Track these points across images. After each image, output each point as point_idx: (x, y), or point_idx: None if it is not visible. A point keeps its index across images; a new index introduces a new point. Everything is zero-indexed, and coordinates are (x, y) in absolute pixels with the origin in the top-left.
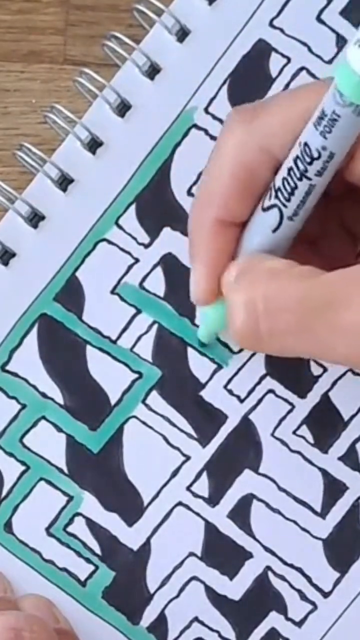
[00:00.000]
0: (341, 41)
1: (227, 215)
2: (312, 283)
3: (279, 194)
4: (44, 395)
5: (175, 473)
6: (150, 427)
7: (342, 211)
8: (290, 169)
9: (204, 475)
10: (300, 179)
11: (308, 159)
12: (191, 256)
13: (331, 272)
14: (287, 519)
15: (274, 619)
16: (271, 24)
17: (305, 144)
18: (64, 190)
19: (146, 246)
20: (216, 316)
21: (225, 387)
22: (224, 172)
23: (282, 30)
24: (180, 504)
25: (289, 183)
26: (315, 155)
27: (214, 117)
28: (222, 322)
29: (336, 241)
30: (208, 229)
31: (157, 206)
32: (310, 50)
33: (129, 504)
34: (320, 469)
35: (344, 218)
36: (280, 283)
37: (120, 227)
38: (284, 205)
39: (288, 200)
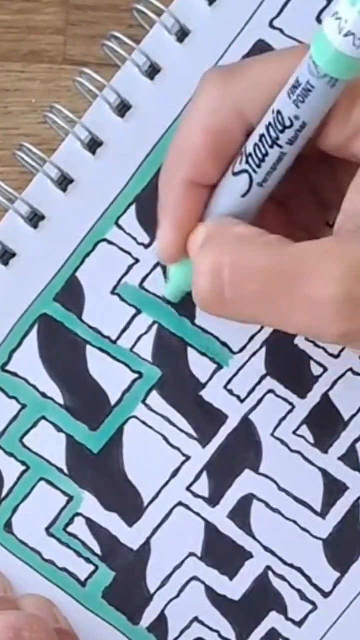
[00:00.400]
0: None
1: (198, 176)
2: (278, 253)
3: (250, 160)
4: (44, 395)
5: (175, 473)
6: (151, 427)
7: (314, 176)
8: (262, 136)
9: (204, 475)
10: (271, 147)
11: (280, 127)
12: (159, 214)
13: (298, 244)
14: (287, 519)
15: (274, 619)
16: (271, 25)
17: (279, 112)
18: (64, 190)
19: (146, 246)
20: (182, 275)
21: (225, 387)
22: (197, 132)
23: (281, 31)
24: (180, 504)
25: (260, 149)
26: (288, 123)
27: None
28: (189, 281)
29: (305, 205)
30: (178, 188)
31: (157, 206)
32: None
33: (129, 504)
34: (320, 469)
35: (315, 183)
36: (247, 251)
37: (120, 227)
38: (254, 172)
39: (258, 166)
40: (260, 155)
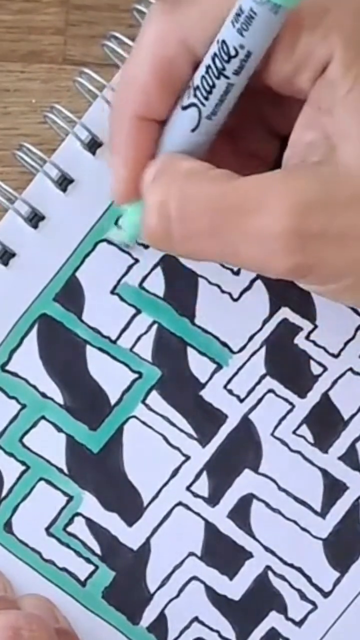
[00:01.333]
0: None
1: (146, 111)
2: (226, 186)
3: (197, 93)
4: (44, 395)
5: (175, 473)
6: (150, 427)
7: (265, 109)
8: (208, 67)
9: (204, 475)
10: (218, 77)
11: (225, 57)
12: (110, 152)
13: (246, 177)
14: (287, 518)
15: (274, 619)
16: None
17: (223, 42)
18: (64, 190)
19: (146, 246)
20: (137, 216)
21: (225, 387)
22: (144, 65)
23: None
24: (180, 504)
25: (207, 81)
26: (233, 53)
27: None
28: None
29: (257, 135)
30: (127, 125)
31: None
32: None
33: (129, 504)
34: (320, 468)
35: (264, 114)
36: (195, 185)
37: (120, 228)
38: (202, 104)
39: (206, 99)
40: (207, 87)
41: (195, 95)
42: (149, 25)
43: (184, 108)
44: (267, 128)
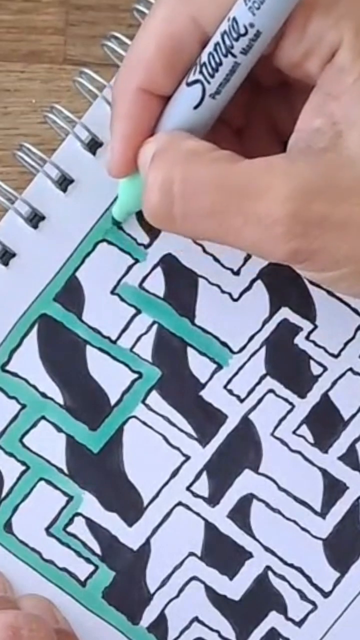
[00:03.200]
0: None
1: (151, 85)
2: (230, 168)
3: (204, 69)
4: (44, 395)
5: (175, 473)
6: (150, 427)
7: (271, 104)
8: (216, 44)
9: (204, 475)
10: (225, 55)
11: (235, 35)
12: (111, 124)
13: (248, 160)
14: (287, 518)
15: (274, 619)
16: None
17: (234, 19)
18: (64, 190)
19: (146, 246)
20: (131, 191)
21: (225, 387)
22: (152, 38)
23: None
24: (180, 504)
25: (214, 58)
26: (242, 31)
27: None
28: (137, 199)
29: (261, 135)
30: (130, 97)
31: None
32: None
33: (129, 504)
34: (320, 468)
35: (271, 112)
36: (199, 165)
37: (120, 228)
38: (207, 82)
39: (212, 76)
40: (214, 64)
41: (200, 72)
42: (159, 1)
43: (189, 84)
44: (272, 127)
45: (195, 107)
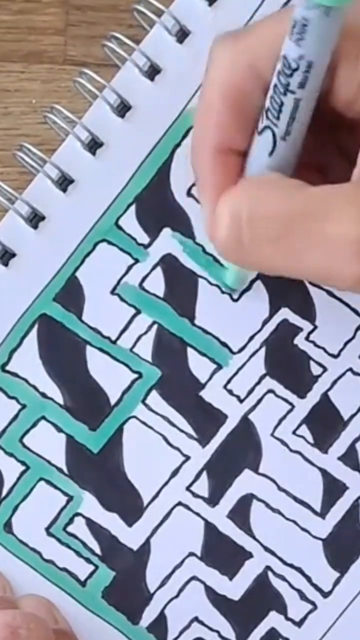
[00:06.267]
0: None
1: (225, 142)
2: (296, 195)
3: (269, 114)
4: (44, 395)
5: (175, 473)
6: (150, 427)
7: (339, 138)
8: (275, 86)
9: (204, 475)
10: (284, 94)
11: (288, 71)
12: (198, 191)
13: (316, 187)
14: (287, 519)
15: (273, 619)
16: None
17: (284, 57)
18: (64, 190)
19: (146, 247)
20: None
21: (225, 387)
22: (215, 96)
23: None
24: (180, 504)
25: (275, 100)
26: (294, 65)
27: None
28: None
29: (340, 169)
30: (209, 160)
31: (156, 207)
32: None
33: (129, 504)
34: (320, 468)
35: (342, 145)
36: (266, 193)
37: (120, 228)
38: (275, 125)
39: (277, 118)
40: (276, 106)
41: (267, 118)
42: (214, 58)
43: (260, 132)
44: (345, 155)
45: (270, 154)
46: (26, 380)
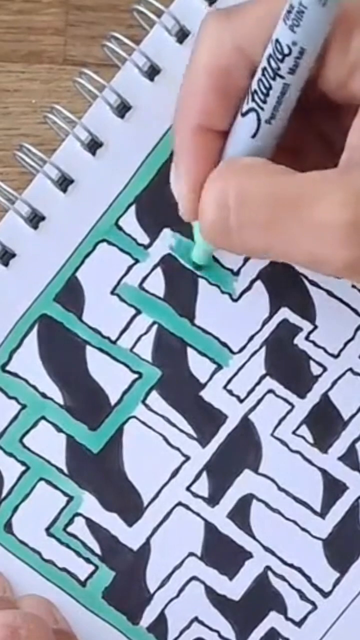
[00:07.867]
0: None
1: (207, 121)
2: (284, 178)
3: (255, 96)
4: (44, 395)
5: (175, 473)
6: (150, 427)
7: (324, 126)
8: (264, 69)
9: (204, 475)
10: (273, 78)
11: (280, 56)
12: (175, 166)
13: (303, 173)
14: (287, 519)
15: (273, 619)
16: None
17: (277, 41)
18: (64, 190)
19: (146, 247)
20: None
21: (225, 387)
22: (200, 74)
23: None
24: (180, 504)
25: (263, 83)
26: (286, 51)
27: None
28: None
29: (317, 153)
30: (189, 136)
31: (157, 207)
32: None
33: (129, 504)
34: (320, 469)
35: (325, 133)
36: (253, 177)
37: (120, 228)
38: (261, 108)
39: (264, 102)
40: (264, 90)
41: (253, 100)
42: (203, 34)
43: (243, 114)
44: (326, 145)
45: (253, 136)
46: (26, 381)
